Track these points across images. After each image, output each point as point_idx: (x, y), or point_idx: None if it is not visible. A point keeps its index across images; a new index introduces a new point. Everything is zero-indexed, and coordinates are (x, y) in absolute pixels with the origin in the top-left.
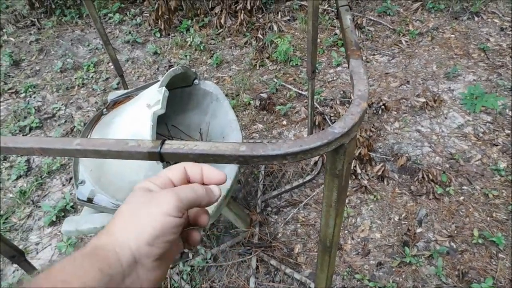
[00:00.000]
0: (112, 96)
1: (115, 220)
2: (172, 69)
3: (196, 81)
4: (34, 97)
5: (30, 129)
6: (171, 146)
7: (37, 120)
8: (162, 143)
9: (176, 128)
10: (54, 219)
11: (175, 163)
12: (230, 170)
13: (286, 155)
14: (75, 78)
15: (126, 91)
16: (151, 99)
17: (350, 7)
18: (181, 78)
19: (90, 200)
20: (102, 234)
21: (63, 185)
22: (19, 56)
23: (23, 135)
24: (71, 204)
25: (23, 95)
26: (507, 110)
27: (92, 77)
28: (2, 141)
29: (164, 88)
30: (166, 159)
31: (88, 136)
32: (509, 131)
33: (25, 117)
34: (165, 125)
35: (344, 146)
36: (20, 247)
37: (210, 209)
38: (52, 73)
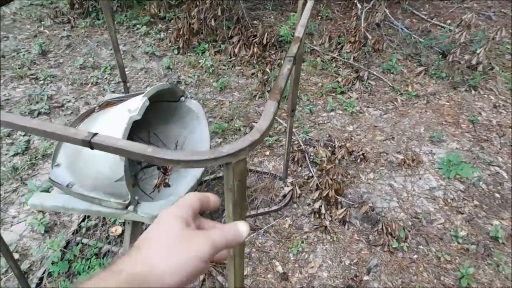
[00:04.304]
0: (107, 97)
1: (152, 247)
2: (160, 83)
3: (182, 98)
4: (50, 86)
5: (39, 113)
6: (100, 138)
7: (47, 106)
8: (94, 135)
9: (156, 136)
10: None
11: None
12: (190, 180)
13: (180, 161)
14: (91, 76)
15: (120, 95)
16: (133, 106)
17: (295, 60)
18: (169, 93)
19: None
20: (138, 261)
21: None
22: (48, 47)
23: (31, 117)
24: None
25: (41, 82)
26: (481, 183)
27: (106, 78)
28: None
29: (145, 98)
30: (94, 147)
31: (76, 128)
32: (478, 203)
33: (37, 102)
34: (147, 132)
35: (231, 164)
36: None
37: (160, 210)
38: (72, 67)
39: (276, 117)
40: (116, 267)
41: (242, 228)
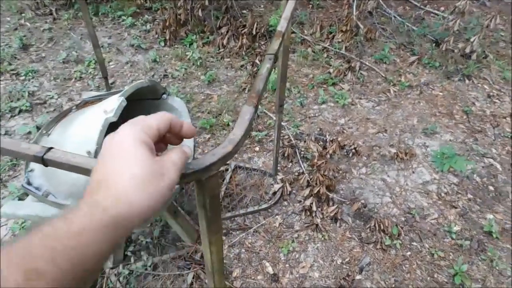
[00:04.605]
0: (85, 95)
1: (125, 181)
2: (139, 81)
3: (164, 96)
4: (32, 82)
5: (20, 111)
6: (54, 154)
7: (28, 104)
8: (48, 150)
9: None
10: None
11: None
12: None
13: None
14: (75, 71)
15: (99, 93)
16: (109, 106)
17: (276, 58)
18: (150, 90)
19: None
20: (120, 199)
21: None
22: (29, 41)
23: (11, 116)
24: None
25: (22, 78)
26: (474, 175)
27: (90, 72)
28: None
29: (122, 98)
30: (48, 164)
31: (52, 129)
32: (472, 196)
33: (18, 99)
34: None
35: (201, 181)
36: None
37: None
38: (55, 62)
39: (266, 111)
40: (95, 202)
41: (187, 149)
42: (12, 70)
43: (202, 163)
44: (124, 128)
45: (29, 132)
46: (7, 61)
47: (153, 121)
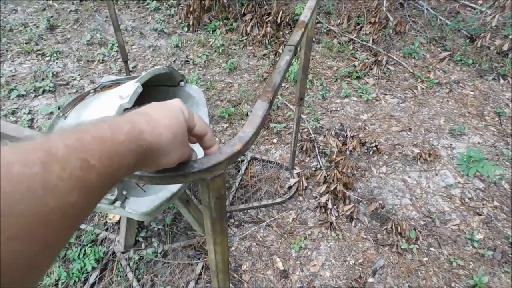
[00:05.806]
0: (104, 79)
1: (164, 133)
2: (156, 67)
3: (182, 83)
4: (56, 63)
5: (43, 91)
6: None
7: (51, 84)
8: None
9: None
10: None
11: None
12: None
13: (142, 176)
14: (98, 54)
15: (117, 77)
16: (125, 92)
17: (296, 49)
18: (167, 77)
19: None
20: (153, 134)
21: None
22: (56, 22)
23: (35, 96)
24: None
25: (48, 58)
26: (503, 182)
27: (113, 55)
28: None
29: (138, 84)
30: None
31: (69, 112)
32: (498, 204)
33: (43, 79)
34: None
35: (206, 180)
36: None
37: (149, 207)
38: (79, 44)
39: (287, 103)
40: (135, 123)
41: (195, 155)
42: (38, 50)
43: (207, 162)
44: (178, 100)
45: (51, 112)
46: (34, 41)
47: (197, 118)
